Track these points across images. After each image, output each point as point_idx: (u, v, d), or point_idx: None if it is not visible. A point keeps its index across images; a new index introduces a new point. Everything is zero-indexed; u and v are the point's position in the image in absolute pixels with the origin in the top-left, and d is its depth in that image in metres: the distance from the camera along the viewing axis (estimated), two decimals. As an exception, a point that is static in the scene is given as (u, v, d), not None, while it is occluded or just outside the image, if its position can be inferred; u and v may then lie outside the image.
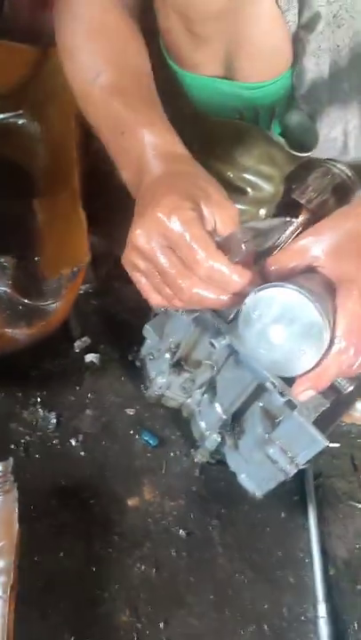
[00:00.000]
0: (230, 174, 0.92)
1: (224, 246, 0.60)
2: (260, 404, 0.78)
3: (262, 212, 0.95)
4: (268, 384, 0.70)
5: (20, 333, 0.83)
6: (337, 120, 0.90)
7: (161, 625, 0.81)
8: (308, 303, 0.56)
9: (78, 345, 1.01)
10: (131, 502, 0.90)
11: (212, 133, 0.90)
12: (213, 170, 0.82)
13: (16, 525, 0.70)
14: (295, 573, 0.88)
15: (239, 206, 0.85)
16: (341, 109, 0.88)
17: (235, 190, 0.91)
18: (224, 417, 0.83)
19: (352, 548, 0.91)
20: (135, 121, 0.69)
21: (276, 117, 0.92)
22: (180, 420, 0.96)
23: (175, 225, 0.59)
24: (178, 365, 0.87)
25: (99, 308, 1.07)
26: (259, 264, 0.64)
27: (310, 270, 0.63)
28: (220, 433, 0.85)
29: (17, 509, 0.71)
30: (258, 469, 0.81)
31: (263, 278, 0.63)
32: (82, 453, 0.92)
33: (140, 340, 0.93)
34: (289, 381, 0.68)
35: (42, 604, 0.80)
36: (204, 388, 0.86)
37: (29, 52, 1.06)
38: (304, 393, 0.61)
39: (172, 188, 0.62)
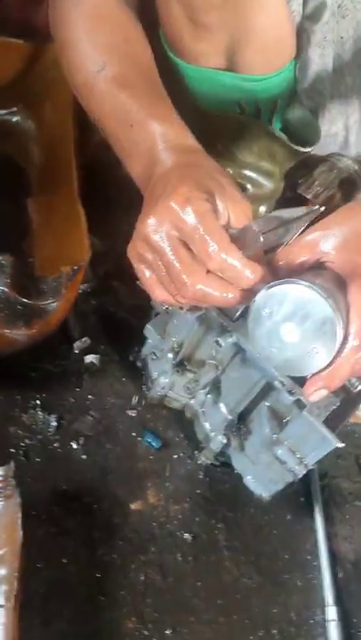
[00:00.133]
0: (230, 170, 0.91)
1: (238, 239, 0.59)
2: (268, 404, 0.76)
3: (262, 208, 0.94)
4: (276, 383, 0.69)
5: (19, 334, 0.81)
6: (338, 115, 0.89)
7: (168, 631, 0.79)
8: (321, 299, 0.54)
9: (78, 345, 0.99)
10: (134, 506, 0.88)
11: (212, 128, 0.88)
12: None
13: (19, 532, 0.68)
14: (303, 576, 0.87)
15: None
16: (343, 104, 0.87)
17: (234, 187, 0.89)
18: (229, 417, 0.82)
19: (360, 549, 0.90)
20: (145, 113, 0.68)
21: (277, 112, 0.90)
22: (183, 422, 0.94)
23: (188, 216, 0.58)
24: (181, 365, 0.85)
25: (98, 307, 1.04)
26: (266, 259, 0.62)
27: (318, 266, 0.62)
28: (225, 434, 0.83)
29: (20, 515, 0.69)
30: (265, 471, 0.79)
31: (271, 274, 0.61)
32: (83, 457, 0.90)
33: (141, 340, 0.91)
34: (298, 380, 0.67)
35: (44, 611, 0.77)
36: (208, 389, 0.84)
37: (24, 47, 1.04)
38: (316, 393, 0.60)
39: (186, 179, 0.60)
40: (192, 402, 0.89)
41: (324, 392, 0.60)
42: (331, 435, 0.67)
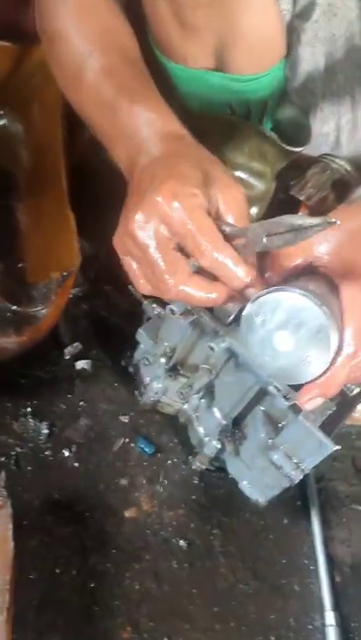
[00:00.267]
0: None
1: (236, 237, 0.57)
2: (263, 409, 0.75)
3: (254, 210, 0.93)
4: (271, 388, 0.68)
5: (9, 341, 0.79)
6: (330, 115, 0.88)
7: (164, 640, 0.78)
8: (316, 307, 0.53)
9: (69, 351, 0.97)
10: (128, 514, 0.86)
11: (202, 129, 0.87)
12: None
13: (11, 543, 0.66)
14: (300, 581, 0.86)
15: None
16: (335, 103, 0.86)
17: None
18: (224, 422, 0.81)
19: (357, 552, 0.89)
20: (130, 99, 0.66)
21: (267, 113, 0.89)
22: (176, 427, 0.93)
23: (177, 212, 0.56)
24: (174, 370, 0.84)
25: (89, 312, 1.03)
26: (261, 264, 0.61)
27: (311, 270, 0.61)
28: (219, 439, 0.82)
29: (11, 526, 0.67)
30: (261, 476, 0.78)
31: (263, 278, 0.60)
32: (75, 464, 0.89)
33: (133, 345, 0.90)
34: (293, 385, 0.66)
35: (38, 623, 0.76)
36: (201, 393, 0.83)
37: (11, 49, 1.03)
38: (311, 402, 0.59)
39: (174, 171, 0.58)
40: (186, 407, 0.88)
41: (319, 400, 0.59)
42: (328, 440, 0.66)
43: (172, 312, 0.72)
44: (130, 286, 0.89)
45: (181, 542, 0.85)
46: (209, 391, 0.82)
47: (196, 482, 0.90)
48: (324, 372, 0.56)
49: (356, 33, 0.73)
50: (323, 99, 0.85)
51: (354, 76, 0.80)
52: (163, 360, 0.82)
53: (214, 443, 0.82)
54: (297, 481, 0.73)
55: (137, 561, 0.83)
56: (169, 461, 0.92)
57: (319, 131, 0.90)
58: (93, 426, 0.93)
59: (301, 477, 0.72)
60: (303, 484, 0.92)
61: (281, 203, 0.88)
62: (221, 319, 0.71)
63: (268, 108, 0.87)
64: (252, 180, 0.90)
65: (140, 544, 0.84)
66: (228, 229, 0.58)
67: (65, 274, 0.80)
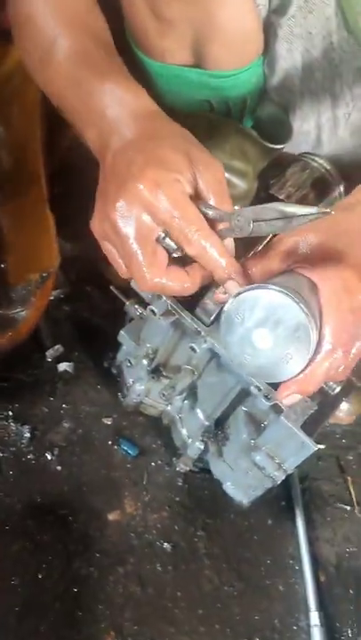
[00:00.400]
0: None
1: (221, 221, 0.56)
2: (244, 409, 0.75)
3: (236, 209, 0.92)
4: (252, 388, 0.67)
5: (-12, 344, 0.78)
6: (310, 113, 0.88)
7: (148, 645, 0.77)
8: (294, 304, 0.53)
9: (51, 353, 0.96)
10: (111, 517, 0.86)
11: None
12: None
13: (-10, 550, 0.65)
14: (285, 581, 0.85)
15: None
16: (314, 101, 0.86)
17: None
18: (206, 423, 0.80)
19: (342, 552, 0.89)
20: (99, 77, 0.64)
21: (247, 110, 0.89)
22: (160, 428, 0.92)
23: (162, 202, 0.55)
24: (156, 371, 0.83)
25: (71, 313, 1.02)
26: (240, 262, 0.61)
27: (290, 271, 0.60)
28: (202, 440, 0.81)
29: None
30: (244, 477, 0.77)
31: (245, 277, 0.60)
32: (58, 468, 0.88)
33: (116, 346, 0.89)
34: (275, 385, 0.65)
35: (20, 629, 0.75)
36: (184, 394, 0.82)
37: (-12, 48, 1.01)
38: (289, 397, 0.58)
39: (152, 155, 0.57)
40: (169, 408, 0.87)
41: (298, 397, 0.58)
42: (309, 440, 0.66)
43: (153, 313, 0.71)
44: (112, 287, 0.88)
45: (166, 545, 0.85)
46: (192, 392, 0.81)
47: (180, 483, 0.90)
48: (304, 370, 0.55)
49: (333, 31, 0.73)
50: (302, 97, 0.85)
51: (332, 75, 0.80)
52: (145, 361, 0.82)
53: (197, 444, 0.82)
54: (279, 481, 0.73)
55: (121, 564, 0.82)
56: (153, 463, 0.91)
57: (299, 129, 0.90)
58: (76, 428, 0.92)
59: (284, 478, 0.72)
60: (287, 483, 0.92)
61: (262, 201, 0.87)
62: (203, 319, 0.70)
63: (247, 105, 0.87)
64: (234, 180, 0.90)
65: (124, 547, 0.84)
66: (211, 213, 0.57)
67: (44, 275, 0.79)
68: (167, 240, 0.58)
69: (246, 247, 0.68)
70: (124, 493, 0.88)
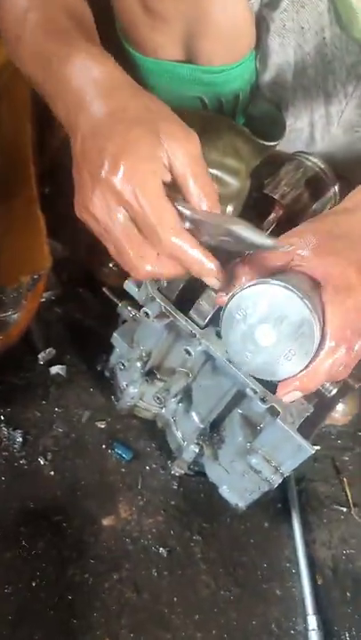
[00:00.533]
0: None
1: (202, 224, 0.55)
2: (240, 412, 0.74)
3: (229, 209, 0.91)
4: (248, 390, 0.66)
5: (-21, 348, 0.77)
6: (302, 110, 0.87)
7: (145, 652, 0.76)
8: (298, 300, 0.52)
9: (43, 356, 0.95)
10: (106, 522, 0.84)
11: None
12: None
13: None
14: (282, 585, 0.84)
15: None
16: (307, 98, 0.85)
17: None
18: (201, 426, 0.79)
19: (338, 554, 0.88)
20: (67, 47, 0.61)
21: (240, 107, 0.88)
22: (154, 432, 0.91)
23: (137, 198, 0.54)
24: (150, 374, 0.82)
25: (63, 316, 1.01)
26: (236, 262, 0.60)
27: (289, 270, 0.59)
28: (198, 443, 0.80)
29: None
30: (240, 480, 0.76)
31: (245, 276, 0.59)
32: (51, 473, 0.86)
33: (109, 349, 0.88)
34: (271, 387, 0.64)
35: (14, 638, 0.74)
36: (179, 397, 0.81)
37: (-24, 47, 0.99)
38: (290, 394, 0.57)
39: (122, 141, 0.55)
40: (163, 411, 0.86)
41: (298, 394, 0.57)
42: (306, 442, 0.65)
43: (147, 315, 0.70)
44: (104, 288, 0.87)
45: (161, 550, 0.84)
46: (186, 395, 0.80)
47: (175, 487, 0.89)
48: (306, 367, 0.54)
49: (325, 26, 0.72)
50: (294, 93, 0.84)
51: (325, 71, 0.79)
52: (139, 364, 0.81)
53: (192, 447, 0.81)
54: (276, 485, 0.72)
55: (116, 570, 0.81)
56: (147, 467, 0.90)
57: (292, 126, 0.89)
58: (69, 433, 0.90)
59: (280, 481, 0.71)
60: (284, 486, 0.91)
61: (256, 201, 0.86)
62: (197, 321, 0.69)
63: (240, 102, 0.86)
64: (226, 178, 0.89)
65: (119, 553, 0.82)
66: (188, 214, 0.56)
67: (35, 277, 0.77)
68: None
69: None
70: (118, 498, 0.87)
